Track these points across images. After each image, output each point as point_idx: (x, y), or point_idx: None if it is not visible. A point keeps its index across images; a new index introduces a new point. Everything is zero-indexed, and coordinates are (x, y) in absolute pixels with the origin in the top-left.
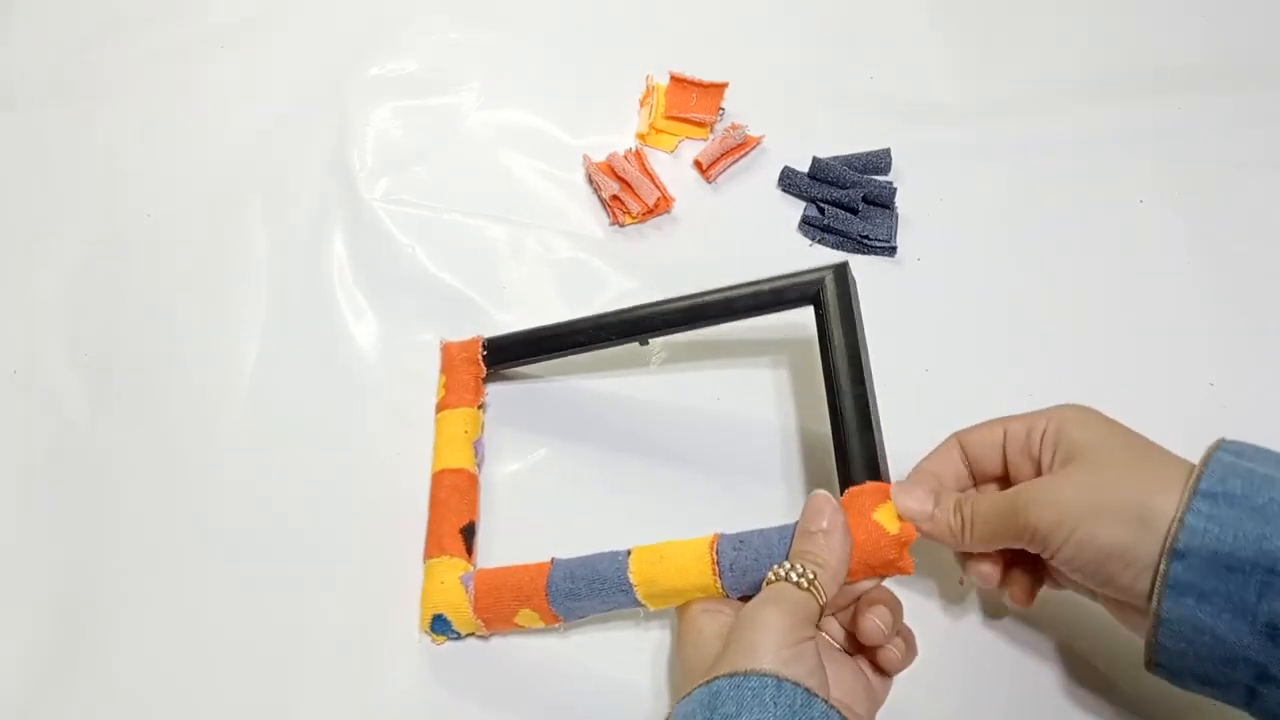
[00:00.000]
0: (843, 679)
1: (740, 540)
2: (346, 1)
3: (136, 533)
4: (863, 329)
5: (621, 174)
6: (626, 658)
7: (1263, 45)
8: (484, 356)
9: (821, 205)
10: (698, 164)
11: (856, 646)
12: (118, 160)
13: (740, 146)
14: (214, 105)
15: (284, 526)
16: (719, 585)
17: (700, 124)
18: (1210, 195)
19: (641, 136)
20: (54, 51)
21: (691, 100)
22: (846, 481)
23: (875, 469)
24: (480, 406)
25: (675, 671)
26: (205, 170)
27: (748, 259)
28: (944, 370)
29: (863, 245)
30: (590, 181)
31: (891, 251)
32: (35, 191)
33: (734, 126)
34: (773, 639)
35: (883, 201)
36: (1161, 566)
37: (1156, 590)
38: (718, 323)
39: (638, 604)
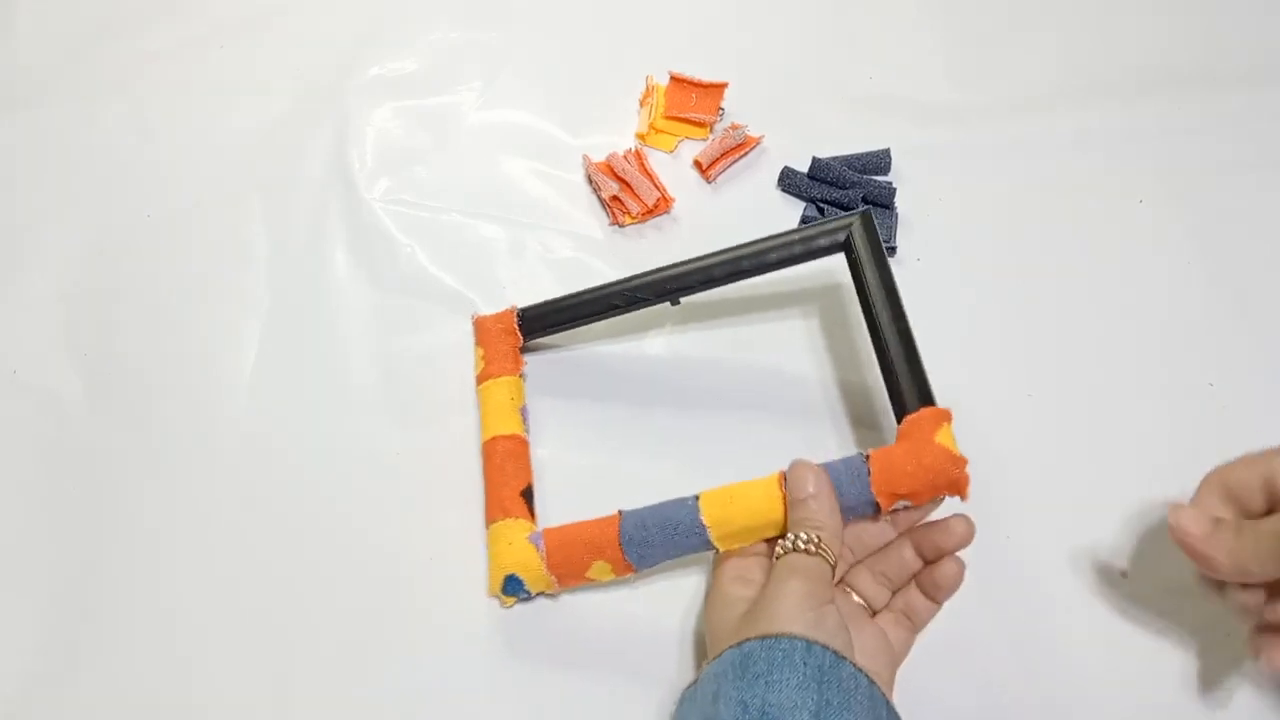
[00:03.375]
0: (864, 643)
1: None
2: (346, 1)
3: (136, 532)
4: (890, 270)
5: (621, 174)
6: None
7: (1263, 45)
8: (519, 325)
9: (821, 205)
10: (697, 164)
11: (882, 601)
12: (117, 160)
13: (740, 146)
14: (214, 105)
15: (283, 526)
16: None
17: (700, 124)
18: (1210, 195)
19: (641, 136)
20: (54, 51)
21: (691, 100)
22: (901, 411)
23: (928, 395)
24: (520, 376)
25: (700, 628)
26: (205, 170)
27: None
28: (944, 370)
29: None
30: (590, 181)
31: (891, 252)
32: (35, 191)
33: (734, 126)
34: (794, 603)
35: (883, 201)
36: None
37: None
38: (750, 276)
39: (709, 546)
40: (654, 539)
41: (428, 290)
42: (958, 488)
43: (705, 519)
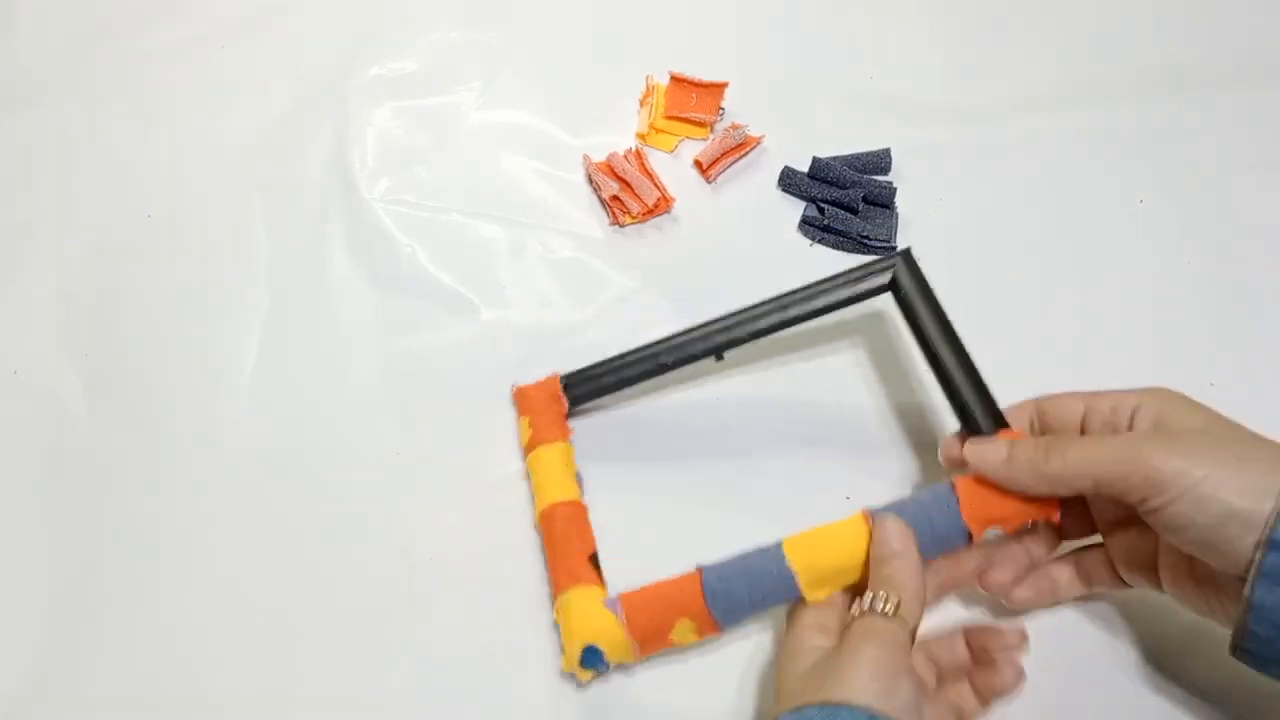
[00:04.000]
0: (933, 718)
1: (896, 509)
2: (346, 1)
3: (137, 533)
4: (938, 302)
5: (621, 174)
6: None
7: (1262, 45)
8: (564, 391)
9: (821, 205)
10: (698, 164)
11: (952, 675)
12: (117, 160)
13: (740, 146)
14: (214, 105)
15: (283, 526)
16: None
17: (700, 124)
18: (1210, 195)
19: (641, 136)
20: (54, 51)
21: (691, 100)
22: (975, 435)
23: (1000, 417)
24: (569, 442)
25: (765, 688)
26: (205, 170)
27: (748, 259)
28: None
29: (863, 245)
30: (590, 181)
31: (891, 251)
32: (35, 191)
33: (734, 126)
34: (867, 670)
35: (883, 201)
36: (1258, 555)
37: (1251, 578)
38: (797, 324)
39: (796, 594)
40: (739, 591)
41: (428, 290)
42: (1048, 510)
43: (793, 565)
